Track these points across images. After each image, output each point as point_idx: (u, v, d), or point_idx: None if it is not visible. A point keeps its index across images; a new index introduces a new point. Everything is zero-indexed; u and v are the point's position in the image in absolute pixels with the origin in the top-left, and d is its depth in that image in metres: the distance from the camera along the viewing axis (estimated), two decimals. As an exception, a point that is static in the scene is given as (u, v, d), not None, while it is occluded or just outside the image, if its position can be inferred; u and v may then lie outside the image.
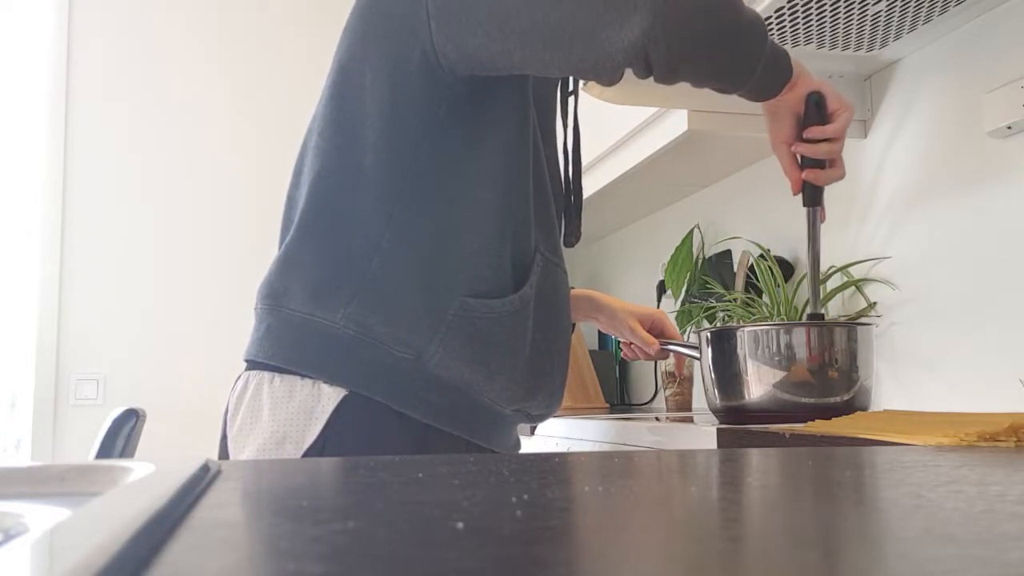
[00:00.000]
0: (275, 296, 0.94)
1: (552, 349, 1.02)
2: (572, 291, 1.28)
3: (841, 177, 1.06)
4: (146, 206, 3.13)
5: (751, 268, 1.82)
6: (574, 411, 2.10)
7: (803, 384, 1.13)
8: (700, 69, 0.91)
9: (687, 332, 2.07)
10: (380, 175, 0.92)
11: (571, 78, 1.14)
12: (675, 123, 1.64)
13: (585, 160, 2.11)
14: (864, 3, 1.28)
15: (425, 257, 0.92)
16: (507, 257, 0.96)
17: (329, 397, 0.89)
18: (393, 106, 0.92)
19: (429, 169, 0.93)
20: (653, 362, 2.41)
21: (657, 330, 1.30)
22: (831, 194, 1.72)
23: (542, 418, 1.08)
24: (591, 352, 2.44)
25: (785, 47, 1.41)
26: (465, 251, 0.93)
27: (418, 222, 0.92)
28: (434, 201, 0.93)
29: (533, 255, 0.99)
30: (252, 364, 0.95)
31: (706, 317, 1.94)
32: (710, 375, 1.22)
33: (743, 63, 0.92)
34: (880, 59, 1.51)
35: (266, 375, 0.92)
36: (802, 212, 1.85)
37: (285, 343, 0.91)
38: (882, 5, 1.29)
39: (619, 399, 2.66)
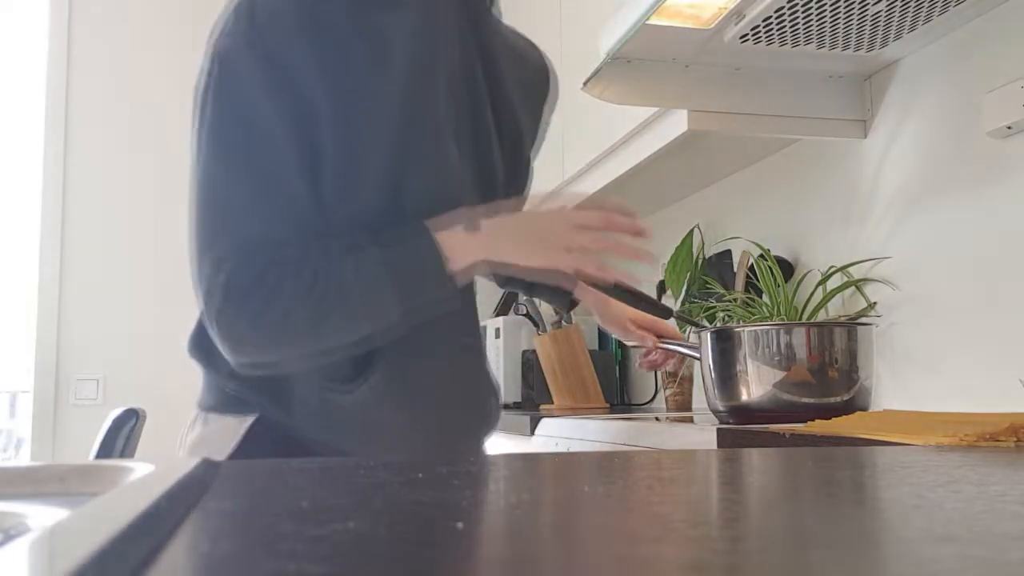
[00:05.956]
0: (200, 354, 1.02)
1: (453, 392, 1.01)
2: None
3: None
4: (146, 206, 3.13)
5: (751, 268, 1.82)
6: (574, 411, 2.10)
7: (803, 384, 1.13)
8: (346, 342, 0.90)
9: (687, 332, 2.07)
10: None
11: None
12: (675, 123, 1.64)
13: (585, 160, 2.11)
14: (864, 3, 1.28)
15: None
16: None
17: (244, 420, 0.96)
18: None
19: None
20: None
21: (654, 329, 1.30)
22: (831, 193, 1.72)
23: (486, 435, 1.08)
24: (591, 352, 2.44)
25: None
26: None
27: None
28: None
29: None
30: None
31: (706, 317, 1.94)
32: (710, 375, 1.22)
33: (379, 317, 0.88)
34: (880, 59, 1.51)
35: (201, 413, 1.01)
36: (801, 212, 1.85)
37: (211, 394, 1.00)
38: (882, 5, 1.29)
39: (619, 399, 2.65)
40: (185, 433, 1.03)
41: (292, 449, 0.94)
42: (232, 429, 0.96)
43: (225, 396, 0.98)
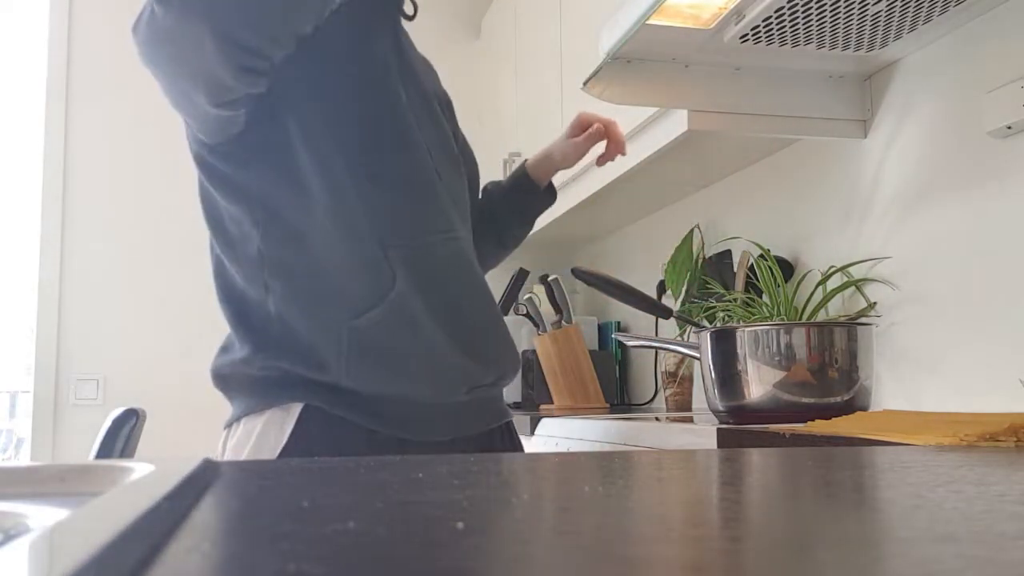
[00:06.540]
0: (224, 380, 1.05)
1: (466, 322, 1.05)
2: (526, 164, 1.38)
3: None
4: (146, 206, 3.13)
5: (751, 268, 1.82)
6: (574, 411, 2.10)
7: (803, 384, 1.13)
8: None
9: (687, 332, 2.07)
10: (236, 261, 1.04)
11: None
12: (675, 123, 1.64)
13: (586, 160, 2.11)
14: (864, 3, 1.28)
15: (306, 305, 1.01)
16: (366, 269, 1.00)
17: (292, 410, 0.99)
18: (205, 203, 1.08)
19: (260, 240, 1.01)
20: (653, 362, 2.41)
21: (585, 126, 1.36)
22: (831, 193, 1.72)
23: (505, 379, 1.11)
24: (591, 352, 2.44)
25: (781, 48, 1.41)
26: (334, 284, 1.00)
27: (286, 281, 1.01)
28: (288, 263, 1.01)
29: (386, 257, 1.00)
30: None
31: (706, 317, 1.94)
32: (710, 375, 1.22)
33: None
34: (880, 59, 1.51)
35: (234, 424, 1.03)
36: (801, 212, 1.85)
37: (242, 403, 1.02)
38: (882, 5, 1.29)
39: (619, 399, 2.65)
40: (221, 447, 1.04)
41: (339, 430, 0.97)
42: (278, 424, 0.98)
43: (256, 390, 1.00)
